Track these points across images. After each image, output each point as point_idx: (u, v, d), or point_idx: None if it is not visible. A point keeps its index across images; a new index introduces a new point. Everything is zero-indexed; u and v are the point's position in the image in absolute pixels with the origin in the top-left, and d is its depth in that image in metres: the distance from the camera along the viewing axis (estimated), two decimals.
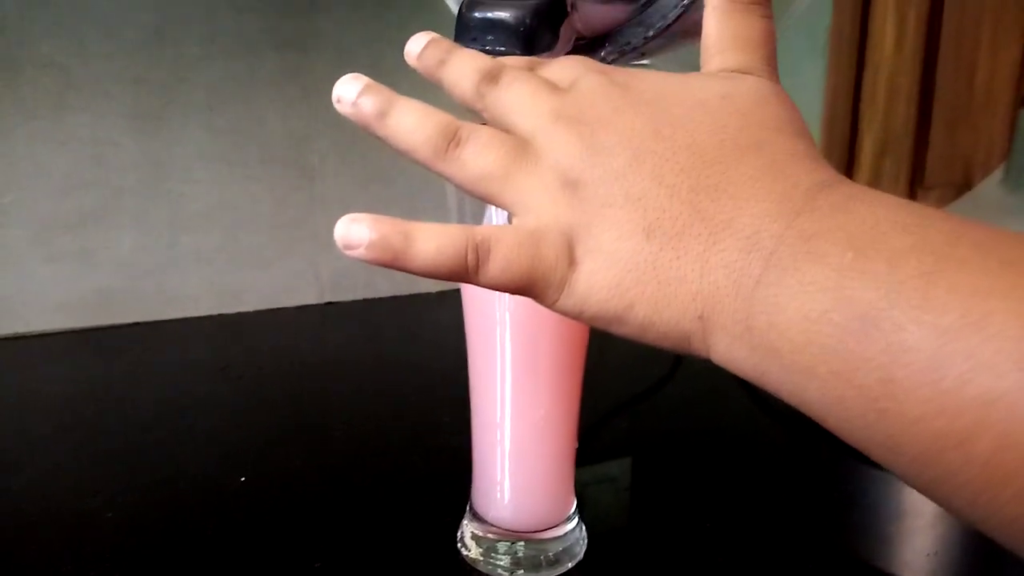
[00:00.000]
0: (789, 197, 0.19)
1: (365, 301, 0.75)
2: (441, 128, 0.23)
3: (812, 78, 0.92)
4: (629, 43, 0.31)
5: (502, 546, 0.37)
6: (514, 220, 0.22)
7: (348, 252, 0.21)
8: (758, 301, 0.19)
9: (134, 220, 0.67)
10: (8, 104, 0.61)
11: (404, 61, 0.26)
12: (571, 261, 0.21)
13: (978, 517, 0.16)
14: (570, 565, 0.37)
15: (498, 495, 0.37)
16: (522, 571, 0.36)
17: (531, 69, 0.25)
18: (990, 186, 0.81)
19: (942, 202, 0.96)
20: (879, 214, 0.18)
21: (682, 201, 0.20)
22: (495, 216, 0.32)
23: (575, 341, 0.35)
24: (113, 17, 0.63)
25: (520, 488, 0.37)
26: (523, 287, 0.21)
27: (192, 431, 0.50)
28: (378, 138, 0.23)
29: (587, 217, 0.21)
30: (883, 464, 0.18)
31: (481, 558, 0.37)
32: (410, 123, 0.23)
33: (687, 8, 0.29)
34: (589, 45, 0.32)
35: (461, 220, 0.34)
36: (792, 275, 0.18)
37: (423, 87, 0.25)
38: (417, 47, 0.25)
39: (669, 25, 0.30)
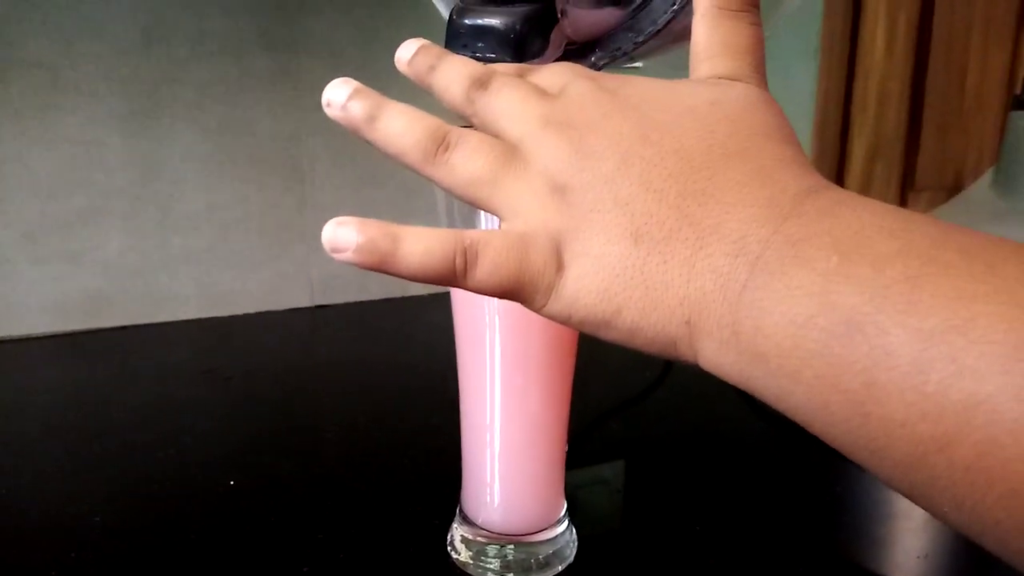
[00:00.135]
0: (776, 202, 0.19)
1: (356, 304, 0.75)
2: (430, 132, 0.23)
3: (804, 82, 0.93)
4: (619, 48, 0.31)
5: (492, 549, 0.37)
6: (503, 224, 0.22)
7: (336, 255, 0.21)
8: (745, 306, 0.19)
9: (123, 221, 0.67)
10: None
11: (394, 63, 0.26)
12: (559, 266, 0.21)
13: (963, 521, 0.16)
14: (560, 568, 0.37)
15: (488, 498, 0.37)
16: (512, 574, 0.36)
17: (521, 75, 0.25)
18: (980, 189, 0.82)
19: (932, 205, 0.96)
20: (865, 219, 0.18)
21: (670, 206, 0.20)
22: (485, 221, 0.32)
23: (564, 344, 0.35)
24: (102, 17, 0.63)
25: (510, 491, 0.37)
26: (511, 291, 0.21)
27: (181, 434, 0.50)
28: (367, 142, 0.23)
29: (575, 222, 0.21)
30: (869, 469, 0.18)
31: (471, 561, 0.37)
32: (399, 127, 0.23)
33: (677, 13, 0.29)
34: (579, 51, 0.32)
35: (451, 224, 0.34)
36: (779, 279, 0.18)
37: (413, 90, 0.25)
38: (408, 53, 0.25)
39: (659, 30, 0.30)
